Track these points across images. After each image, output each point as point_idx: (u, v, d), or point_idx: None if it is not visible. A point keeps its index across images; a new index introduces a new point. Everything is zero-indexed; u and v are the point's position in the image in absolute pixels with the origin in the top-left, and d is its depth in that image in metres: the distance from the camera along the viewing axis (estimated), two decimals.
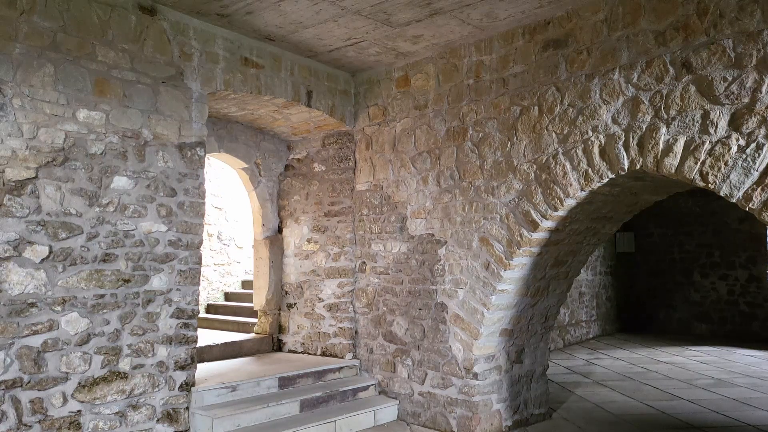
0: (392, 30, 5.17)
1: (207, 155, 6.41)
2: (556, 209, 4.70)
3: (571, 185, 4.61)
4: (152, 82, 4.65)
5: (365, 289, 6.26)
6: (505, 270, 5.02)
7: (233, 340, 6.67)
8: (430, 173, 5.67)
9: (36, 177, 4.01)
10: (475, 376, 5.22)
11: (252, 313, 7.44)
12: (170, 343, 4.69)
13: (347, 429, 5.30)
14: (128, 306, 4.45)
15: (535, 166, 4.85)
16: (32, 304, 3.96)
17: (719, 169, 3.83)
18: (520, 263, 5.05)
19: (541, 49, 4.89)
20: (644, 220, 12.18)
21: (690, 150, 3.97)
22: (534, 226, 4.83)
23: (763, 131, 3.68)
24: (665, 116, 4.11)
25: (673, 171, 4.04)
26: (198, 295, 4.90)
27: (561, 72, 4.74)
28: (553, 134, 4.75)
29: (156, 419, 4.58)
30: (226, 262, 9.56)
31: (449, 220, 5.48)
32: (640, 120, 4.24)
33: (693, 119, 3.98)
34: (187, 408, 4.78)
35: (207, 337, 6.71)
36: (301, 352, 6.69)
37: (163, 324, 4.65)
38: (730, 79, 3.83)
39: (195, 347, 4.88)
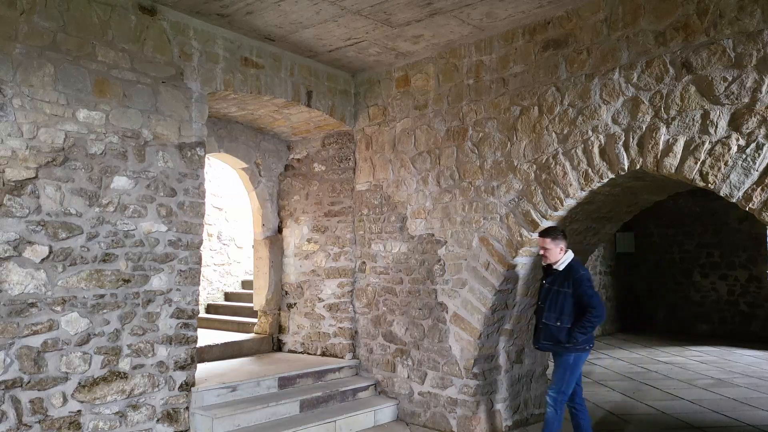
0: (392, 30, 5.17)
1: (207, 155, 6.40)
2: (556, 209, 4.70)
3: (571, 185, 4.61)
4: (152, 82, 4.65)
5: (365, 289, 6.26)
6: (505, 270, 5.02)
7: (233, 340, 6.67)
8: (430, 173, 5.67)
9: (36, 177, 4.01)
10: (475, 376, 5.22)
11: (252, 313, 7.44)
12: (170, 343, 4.69)
13: (347, 429, 5.30)
14: (128, 306, 4.45)
15: (535, 166, 4.85)
16: (32, 304, 3.96)
17: (719, 169, 3.83)
18: (520, 263, 5.06)
19: (541, 49, 4.89)
20: (644, 220, 12.15)
21: (690, 150, 3.96)
22: (534, 226, 4.83)
23: (763, 131, 3.68)
24: (665, 116, 4.11)
25: (673, 171, 4.04)
26: (198, 295, 4.91)
27: (561, 72, 4.74)
28: (553, 134, 4.75)
29: (156, 419, 4.58)
30: (226, 262, 9.56)
31: (449, 220, 5.47)
32: (640, 120, 4.24)
33: (693, 119, 3.97)
34: (187, 408, 4.79)
35: (207, 337, 6.70)
36: (301, 352, 6.69)
37: (163, 324, 4.65)
38: (730, 79, 3.83)
39: (195, 347, 4.88)
